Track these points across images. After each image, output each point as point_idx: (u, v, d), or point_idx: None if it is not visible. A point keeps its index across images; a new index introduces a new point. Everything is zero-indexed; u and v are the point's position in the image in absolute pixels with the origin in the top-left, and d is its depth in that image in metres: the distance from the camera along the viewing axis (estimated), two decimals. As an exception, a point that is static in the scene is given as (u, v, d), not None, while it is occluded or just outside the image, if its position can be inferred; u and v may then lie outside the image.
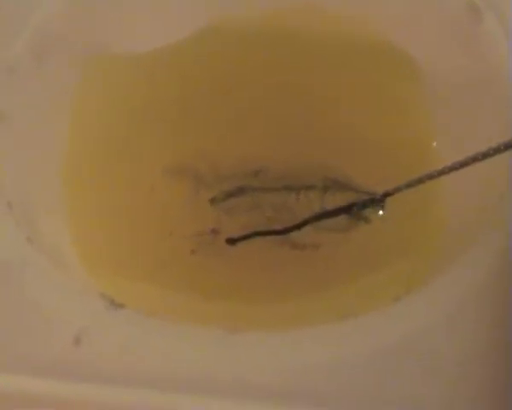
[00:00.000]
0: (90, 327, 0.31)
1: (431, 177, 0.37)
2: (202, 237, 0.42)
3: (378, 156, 0.45)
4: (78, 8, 0.45)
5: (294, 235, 0.42)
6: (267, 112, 0.47)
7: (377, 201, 0.42)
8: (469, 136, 0.41)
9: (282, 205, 0.44)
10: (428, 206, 0.42)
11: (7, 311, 0.32)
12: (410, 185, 0.38)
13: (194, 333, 0.32)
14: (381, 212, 0.42)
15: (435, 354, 0.30)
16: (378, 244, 0.42)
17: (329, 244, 0.42)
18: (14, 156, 0.40)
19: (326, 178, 0.44)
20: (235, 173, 0.45)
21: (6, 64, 0.41)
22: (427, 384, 0.30)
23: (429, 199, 0.42)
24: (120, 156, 0.45)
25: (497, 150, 0.34)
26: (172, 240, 0.42)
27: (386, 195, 0.40)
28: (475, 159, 0.34)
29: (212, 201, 0.44)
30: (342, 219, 0.43)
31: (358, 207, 0.42)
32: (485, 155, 0.34)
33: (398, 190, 0.39)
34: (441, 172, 0.36)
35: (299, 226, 0.42)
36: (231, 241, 0.42)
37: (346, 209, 0.42)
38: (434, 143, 0.44)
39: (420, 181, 0.37)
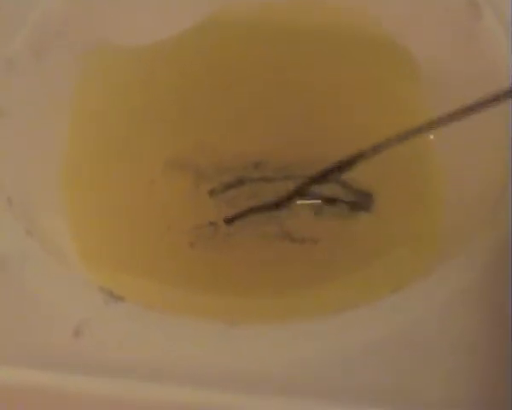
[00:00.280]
0: (90, 320, 0.31)
1: (420, 130, 0.36)
2: (201, 230, 0.42)
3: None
4: (78, 3, 0.45)
5: (293, 229, 0.42)
6: (267, 105, 0.47)
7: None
8: (468, 132, 0.41)
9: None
10: (426, 199, 0.42)
11: (6, 304, 0.32)
12: (400, 138, 0.37)
13: (193, 326, 0.32)
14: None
15: (432, 346, 0.31)
16: (377, 236, 0.42)
17: (328, 237, 0.42)
18: (14, 152, 0.40)
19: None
20: (234, 166, 0.45)
21: (5, 60, 0.41)
22: (423, 376, 0.30)
23: (427, 192, 0.42)
24: (120, 151, 0.45)
25: (492, 100, 0.33)
26: (171, 234, 0.42)
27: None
28: (470, 109, 0.33)
29: (212, 192, 0.44)
30: (341, 210, 0.43)
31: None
32: (480, 105, 0.33)
33: (388, 144, 0.37)
34: (431, 125, 0.35)
35: (290, 197, 0.42)
36: (229, 221, 0.42)
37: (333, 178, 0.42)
38: (431, 136, 0.44)
39: (409, 134, 0.36)
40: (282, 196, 0.42)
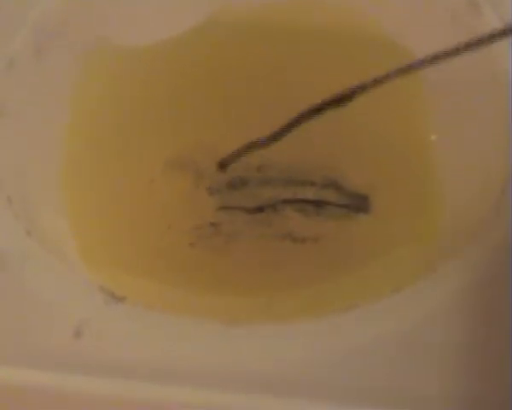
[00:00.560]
0: (90, 320, 0.32)
1: (402, 70, 0.35)
2: (201, 230, 0.42)
3: (376, 153, 0.45)
4: (78, 3, 0.45)
5: (293, 229, 0.42)
6: (267, 105, 0.47)
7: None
8: (468, 132, 0.41)
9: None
10: (426, 199, 0.42)
11: (6, 304, 0.32)
12: (376, 81, 0.36)
13: (193, 326, 0.32)
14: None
15: (432, 346, 0.31)
16: (377, 236, 0.42)
17: (328, 238, 0.42)
18: (14, 151, 0.40)
19: (325, 176, 0.44)
20: (235, 166, 0.45)
21: (5, 60, 0.41)
22: (423, 375, 0.30)
23: (427, 192, 0.42)
24: (120, 150, 0.45)
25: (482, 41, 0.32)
26: (171, 233, 0.42)
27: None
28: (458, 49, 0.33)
29: (212, 193, 0.44)
30: (340, 211, 0.43)
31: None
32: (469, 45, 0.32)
33: (364, 88, 0.37)
34: (411, 66, 0.34)
35: (283, 131, 0.41)
36: (223, 165, 0.42)
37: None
38: (433, 137, 0.44)
39: (389, 76, 0.35)
40: (274, 134, 0.41)
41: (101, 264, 0.39)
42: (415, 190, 0.43)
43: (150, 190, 0.44)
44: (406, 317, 0.32)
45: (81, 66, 0.45)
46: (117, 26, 0.47)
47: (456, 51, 0.33)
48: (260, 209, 0.43)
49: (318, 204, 0.43)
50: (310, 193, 0.44)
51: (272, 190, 0.44)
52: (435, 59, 0.34)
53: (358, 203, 0.43)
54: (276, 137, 0.41)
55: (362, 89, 0.37)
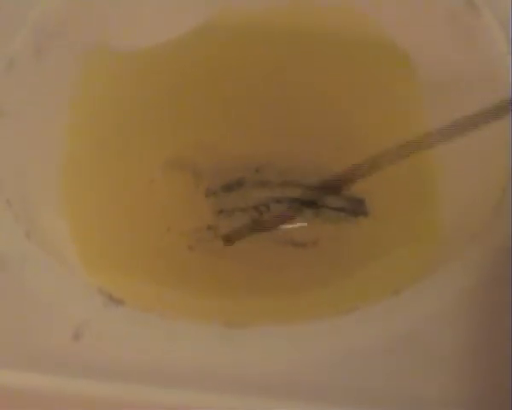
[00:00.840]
0: (89, 322, 0.32)
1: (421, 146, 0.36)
2: (200, 233, 0.42)
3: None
4: (78, 4, 0.45)
5: (292, 232, 0.42)
6: (267, 107, 0.47)
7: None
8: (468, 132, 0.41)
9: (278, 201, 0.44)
10: (426, 199, 0.42)
11: (6, 305, 0.32)
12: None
13: (192, 329, 0.32)
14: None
15: (432, 347, 0.31)
16: (377, 238, 0.42)
17: (327, 240, 0.42)
18: (13, 152, 0.40)
19: (322, 179, 0.44)
20: (235, 167, 0.45)
21: (5, 60, 0.41)
22: (424, 376, 0.30)
23: (427, 192, 0.42)
24: (120, 150, 0.45)
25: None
26: (170, 236, 0.42)
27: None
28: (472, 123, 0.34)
29: (211, 195, 0.44)
30: (339, 214, 0.43)
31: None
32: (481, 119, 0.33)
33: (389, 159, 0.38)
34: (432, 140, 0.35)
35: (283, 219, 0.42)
36: (228, 240, 0.42)
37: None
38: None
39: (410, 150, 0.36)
40: (278, 218, 0.42)
41: (100, 266, 0.39)
42: (414, 191, 0.43)
43: (150, 190, 0.44)
44: (407, 318, 0.32)
45: (81, 66, 0.45)
46: (117, 27, 0.46)
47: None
48: (259, 212, 0.43)
49: (317, 207, 0.43)
50: (308, 195, 0.44)
51: (270, 193, 0.44)
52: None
53: (355, 207, 0.43)
54: (282, 221, 0.42)
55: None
